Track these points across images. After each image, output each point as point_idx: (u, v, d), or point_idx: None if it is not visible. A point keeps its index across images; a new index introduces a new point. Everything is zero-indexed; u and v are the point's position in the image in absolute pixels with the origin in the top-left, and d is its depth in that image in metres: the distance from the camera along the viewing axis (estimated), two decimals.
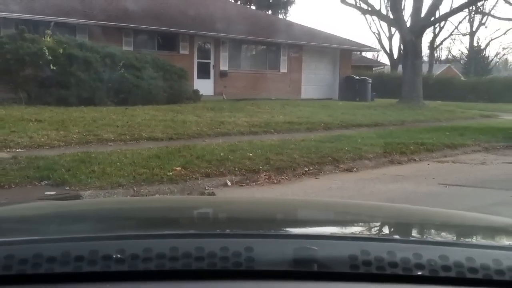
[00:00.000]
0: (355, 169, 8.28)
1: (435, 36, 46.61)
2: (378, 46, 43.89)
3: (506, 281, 0.95)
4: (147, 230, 1.28)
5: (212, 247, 0.95)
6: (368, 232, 1.32)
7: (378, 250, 0.96)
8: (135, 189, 6.15)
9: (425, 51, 47.69)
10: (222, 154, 8.05)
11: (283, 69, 24.13)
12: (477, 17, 44.37)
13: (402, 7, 19.97)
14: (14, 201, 2.74)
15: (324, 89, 25.33)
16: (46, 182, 6.18)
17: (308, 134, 11.34)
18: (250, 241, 0.98)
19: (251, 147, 8.85)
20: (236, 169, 7.34)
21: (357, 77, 25.32)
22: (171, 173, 6.70)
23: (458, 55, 57.73)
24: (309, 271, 0.94)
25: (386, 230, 1.41)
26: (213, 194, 6.23)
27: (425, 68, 44.68)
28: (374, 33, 63.14)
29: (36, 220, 1.45)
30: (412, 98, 18.94)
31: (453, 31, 60.84)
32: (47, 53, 14.17)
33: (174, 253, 0.93)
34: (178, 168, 6.98)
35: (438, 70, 49.74)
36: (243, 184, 6.93)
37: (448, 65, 55.92)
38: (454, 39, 72.95)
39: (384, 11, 20.78)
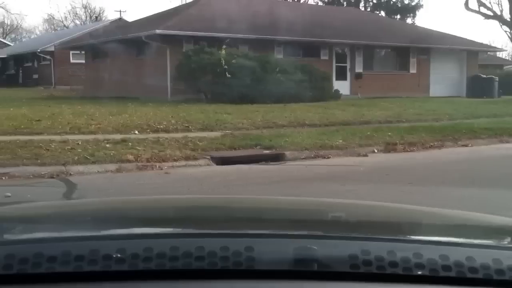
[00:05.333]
0: (470, 144, 11.05)
1: None
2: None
3: (506, 281, 0.96)
4: (148, 230, 1.33)
5: (213, 246, 0.97)
6: (368, 232, 1.32)
7: (379, 249, 0.98)
8: (315, 151, 9.54)
9: None
10: (368, 133, 11.25)
11: (412, 70, 26.68)
12: None
13: None
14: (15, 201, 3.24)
15: (451, 87, 27.42)
16: (259, 146, 9.77)
17: (433, 122, 14.13)
18: (251, 241, 1.00)
19: (389, 129, 11.95)
20: (380, 142, 10.50)
21: (484, 76, 27.07)
22: (337, 143, 10.04)
23: None
24: (309, 271, 0.96)
25: (386, 229, 1.41)
26: (366, 155, 9.47)
27: None
28: (505, 32, 62.16)
29: (36, 219, 1.48)
30: None
31: None
32: (224, 63, 18.23)
33: (174, 253, 0.95)
34: (340, 140, 10.30)
35: None
36: (385, 152, 10.05)
37: None
38: None
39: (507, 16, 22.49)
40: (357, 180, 7.09)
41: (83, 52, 29.57)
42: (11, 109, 14.84)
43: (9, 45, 52.16)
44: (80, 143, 9.10)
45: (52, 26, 77.16)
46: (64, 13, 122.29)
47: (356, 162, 8.69)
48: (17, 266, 0.94)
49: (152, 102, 17.86)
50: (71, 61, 33.27)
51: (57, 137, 9.83)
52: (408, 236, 1.25)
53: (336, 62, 24.71)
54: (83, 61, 30.78)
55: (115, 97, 20.80)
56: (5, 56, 40.19)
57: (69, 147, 8.68)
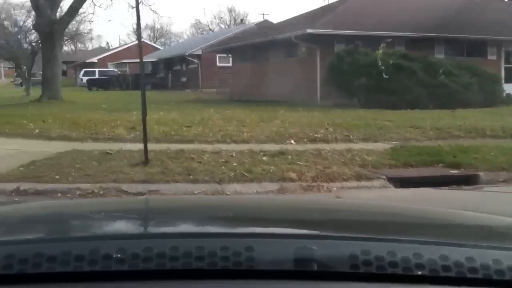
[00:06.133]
0: None
1: None
2: None
3: (506, 281, 0.95)
4: (148, 230, 1.32)
5: (213, 246, 0.96)
6: (368, 232, 1.30)
7: (378, 249, 0.97)
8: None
9: None
10: None
11: None
12: None
13: None
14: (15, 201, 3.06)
15: None
16: (441, 164, 8.06)
17: None
18: (251, 241, 0.99)
19: None
20: None
21: None
22: None
23: None
24: (309, 271, 0.95)
25: (386, 229, 1.38)
26: None
27: None
28: None
29: (37, 219, 1.46)
30: None
31: None
32: (380, 64, 16.56)
33: (174, 253, 0.94)
34: None
35: None
36: None
37: None
38: None
39: None
40: None
41: (229, 55, 29.42)
42: (161, 113, 14.47)
43: (159, 49, 54.57)
44: (234, 154, 8.08)
45: (199, 31, 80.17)
46: (210, 17, 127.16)
47: None
48: (17, 266, 0.93)
49: (301, 107, 16.74)
50: (218, 64, 33.42)
51: (208, 147, 8.95)
52: (408, 236, 1.16)
53: (505, 63, 21.82)
54: (229, 64, 30.69)
55: (262, 101, 20.03)
56: (156, 59, 41.77)
57: (222, 160, 7.69)
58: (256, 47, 24.22)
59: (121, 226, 1.41)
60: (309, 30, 18.57)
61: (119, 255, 0.94)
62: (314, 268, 0.95)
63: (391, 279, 0.95)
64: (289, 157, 7.99)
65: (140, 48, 7.52)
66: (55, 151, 8.53)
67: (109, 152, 8.26)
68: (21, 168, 7.22)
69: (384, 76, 16.55)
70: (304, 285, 0.95)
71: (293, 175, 6.86)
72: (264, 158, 7.93)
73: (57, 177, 6.72)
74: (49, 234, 1.25)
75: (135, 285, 0.94)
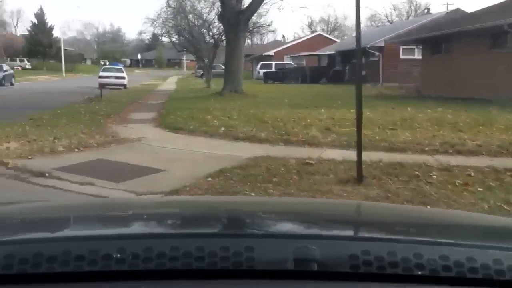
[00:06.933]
0: None
1: None
2: None
3: (506, 281, 0.93)
4: (148, 230, 1.27)
5: (213, 246, 0.94)
6: (368, 232, 1.26)
7: (379, 250, 0.94)
8: None
9: None
10: None
11: None
12: None
13: None
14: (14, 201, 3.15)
15: None
16: None
17: None
18: (251, 241, 0.97)
19: None
20: None
21: None
22: None
23: None
24: (309, 271, 0.92)
25: (386, 230, 1.29)
26: None
27: None
28: None
29: (37, 219, 1.44)
30: None
31: None
32: None
33: (174, 253, 0.92)
34: None
35: None
36: None
37: None
38: None
39: None
40: None
41: (419, 46, 26.78)
42: (352, 110, 12.80)
43: (335, 41, 53.07)
44: (472, 174, 6.11)
45: (374, 23, 77.27)
46: (388, 9, 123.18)
47: None
48: (17, 266, 0.92)
49: None
50: (401, 57, 30.83)
51: (428, 159, 7.08)
52: (408, 236, 1.17)
53: None
54: (414, 57, 28.12)
55: (459, 98, 17.45)
56: (332, 52, 40.30)
57: (459, 181, 5.77)
58: (450, 37, 21.40)
59: (121, 226, 1.36)
60: None
61: (119, 255, 0.93)
62: (314, 268, 0.93)
63: (391, 279, 0.93)
64: None
65: (359, 38, 5.88)
66: (245, 156, 7.29)
67: (310, 162, 6.77)
68: (209, 179, 6.03)
69: None
70: (304, 285, 0.93)
71: None
72: None
73: (252, 194, 5.37)
74: (49, 234, 1.21)
75: (135, 285, 0.92)
